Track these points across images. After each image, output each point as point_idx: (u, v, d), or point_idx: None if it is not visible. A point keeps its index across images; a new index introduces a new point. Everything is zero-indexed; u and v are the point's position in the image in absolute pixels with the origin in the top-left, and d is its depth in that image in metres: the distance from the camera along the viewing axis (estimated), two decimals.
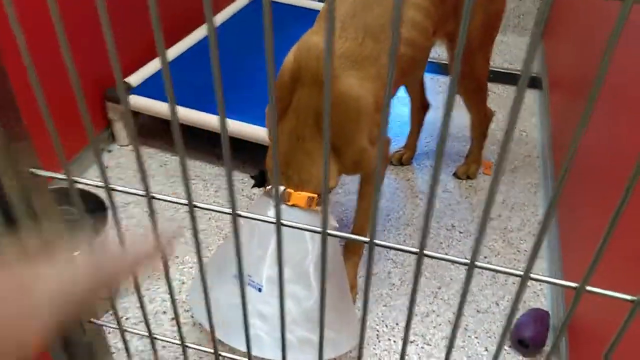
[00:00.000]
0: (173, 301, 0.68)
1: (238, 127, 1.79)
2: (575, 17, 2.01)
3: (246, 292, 1.13)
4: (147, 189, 0.57)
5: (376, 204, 0.47)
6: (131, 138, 0.52)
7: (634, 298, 0.44)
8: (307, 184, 1.20)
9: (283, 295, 0.58)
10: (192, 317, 1.46)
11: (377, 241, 0.50)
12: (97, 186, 0.62)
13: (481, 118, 1.82)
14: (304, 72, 1.14)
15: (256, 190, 1.85)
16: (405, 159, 2.00)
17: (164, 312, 1.49)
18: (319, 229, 0.53)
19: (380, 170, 0.51)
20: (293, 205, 1.20)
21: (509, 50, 2.70)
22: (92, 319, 0.83)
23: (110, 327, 0.81)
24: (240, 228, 1.20)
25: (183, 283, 1.56)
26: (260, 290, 1.17)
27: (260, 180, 1.35)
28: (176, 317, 0.70)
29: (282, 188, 1.20)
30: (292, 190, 1.20)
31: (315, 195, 1.21)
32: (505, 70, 2.45)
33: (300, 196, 1.20)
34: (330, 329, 1.19)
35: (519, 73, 2.37)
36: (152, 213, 0.58)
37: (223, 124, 0.47)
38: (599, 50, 1.55)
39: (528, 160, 2.03)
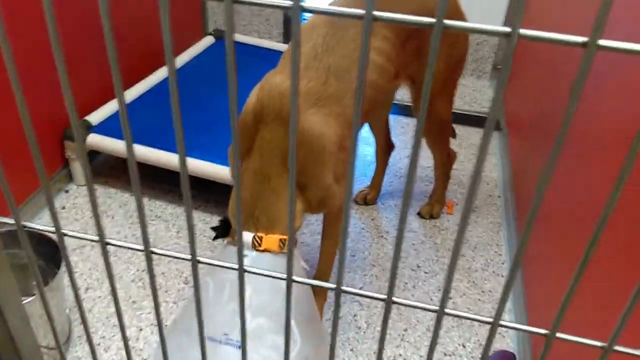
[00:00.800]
0: (127, 350, 0.64)
1: (200, 166, 1.76)
2: (531, 62, 2.09)
3: (224, 353, 1.08)
4: (101, 233, 0.54)
5: (343, 247, 0.46)
6: (86, 179, 0.49)
7: (604, 345, 0.43)
8: (277, 225, 1.17)
9: (245, 348, 0.56)
10: None
11: (344, 287, 0.48)
12: (47, 231, 0.58)
13: (444, 159, 1.84)
14: (267, 111, 1.14)
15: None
16: (370, 198, 2.00)
17: None
18: (283, 276, 0.51)
19: (345, 210, 0.49)
20: (264, 251, 1.15)
21: (468, 92, 2.78)
22: None
23: None
24: (207, 285, 1.16)
25: (140, 330, 1.49)
26: (239, 347, 1.11)
27: (223, 230, 1.28)
28: None
29: (250, 234, 1.16)
30: (263, 234, 1.16)
31: (286, 237, 1.18)
32: (465, 112, 2.52)
33: (272, 239, 1.15)
34: None
35: (478, 115, 2.44)
36: (106, 259, 0.55)
37: (182, 160, 0.45)
38: (555, 93, 1.60)
39: (490, 200, 2.06)
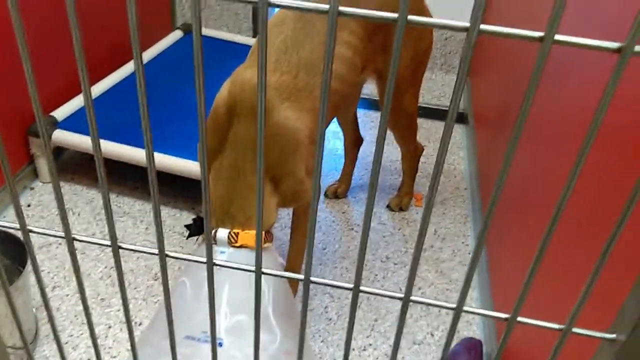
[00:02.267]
0: (96, 347, 0.64)
1: (168, 161, 1.75)
2: (497, 57, 2.13)
3: (205, 351, 1.07)
4: (67, 229, 0.53)
5: (311, 239, 0.47)
6: (51, 174, 0.49)
7: (562, 327, 0.45)
8: (254, 220, 1.16)
9: (215, 345, 0.56)
10: None
11: (312, 278, 0.49)
12: (12, 228, 0.57)
13: (412, 152, 1.87)
14: (240, 106, 1.13)
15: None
16: (340, 192, 2.02)
17: (89, 359, 1.39)
18: (252, 268, 0.51)
19: (314, 203, 0.50)
20: (241, 247, 1.14)
21: (437, 87, 2.82)
22: None
23: None
24: (184, 285, 1.15)
25: (109, 327, 1.48)
26: (221, 344, 1.08)
27: (197, 228, 1.27)
28: None
29: (226, 231, 1.15)
30: (239, 230, 1.15)
31: (263, 233, 1.17)
32: (434, 107, 2.55)
33: (249, 235, 1.14)
34: None
35: (446, 109, 2.48)
36: (72, 256, 0.55)
37: (149, 153, 0.45)
38: (520, 87, 1.64)
39: (457, 192, 2.10)
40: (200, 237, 1.26)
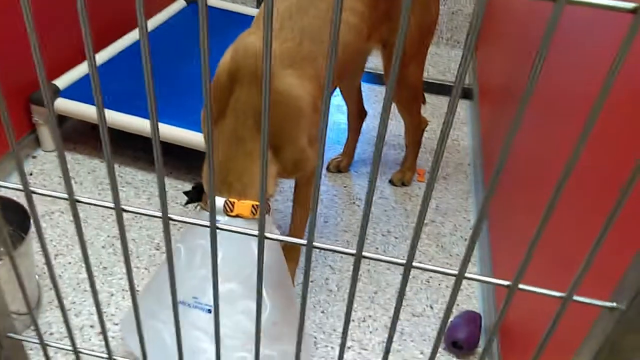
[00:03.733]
0: (99, 313, 0.64)
1: (171, 131, 1.74)
2: (504, 31, 2.10)
3: (193, 316, 1.08)
4: (70, 191, 0.53)
5: (315, 204, 0.46)
6: (55, 140, 0.48)
7: (563, 295, 0.46)
8: (250, 190, 1.16)
9: (217, 305, 0.56)
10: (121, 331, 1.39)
11: (315, 243, 0.49)
12: (15, 189, 0.57)
13: (415, 126, 1.86)
14: (242, 72, 1.12)
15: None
16: (342, 166, 2.01)
17: (92, 326, 1.41)
18: (255, 233, 0.51)
19: (318, 170, 0.50)
20: (236, 216, 1.15)
21: (442, 62, 2.79)
22: (10, 334, 0.77)
23: (31, 342, 0.75)
24: (179, 251, 1.15)
25: (112, 295, 1.49)
26: (209, 311, 1.10)
27: (196, 195, 1.26)
28: (103, 331, 0.66)
29: (222, 199, 1.15)
30: (235, 200, 1.15)
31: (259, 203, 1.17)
32: (439, 82, 2.53)
33: (244, 205, 1.14)
34: (289, 343, 1.17)
35: (451, 84, 2.45)
36: (75, 217, 0.55)
37: (154, 122, 0.45)
38: (525, 62, 1.62)
39: (460, 168, 2.10)
40: (199, 205, 1.26)
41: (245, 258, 1.14)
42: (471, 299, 1.58)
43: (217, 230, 0.53)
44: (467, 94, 2.48)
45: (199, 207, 1.24)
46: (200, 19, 0.39)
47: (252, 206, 1.15)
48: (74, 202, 0.54)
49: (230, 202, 1.14)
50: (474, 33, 0.36)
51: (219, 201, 1.14)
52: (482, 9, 0.34)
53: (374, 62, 1.97)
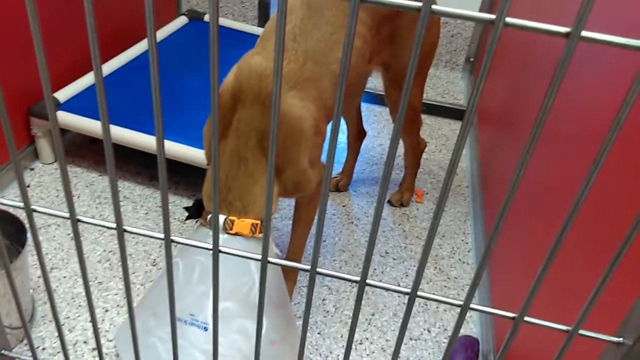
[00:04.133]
0: (95, 329, 0.63)
1: (172, 148, 1.74)
2: (503, 53, 2.12)
3: (189, 333, 1.07)
4: (72, 210, 0.53)
5: (320, 229, 0.46)
6: (58, 155, 0.48)
7: (569, 328, 0.45)
8: (251, 209, 1.16)
9: (217, 326, 0.56)
10: (115, 348, 1.37)
11: (319, 269, 0.49)
12: (16, 207, 0.57)
13: (415, 147, 1.86)
14: (246, 92, 1.12)
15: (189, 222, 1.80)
16: (341, 185, 2.01)
17: (85, 342, 1.39)
18: (258, 257, 0.51)
19: (319, 194, 0.50)
20: (236, 234, 1.15)
21: (440, 84, 2.81)
22: (2, 351, 0.76)
23: (23, 358, 0.74)
24: (177, 266, 1.15)
25: (106, 311, 1.47)
26: (206, 329, 1.09)
27: (196, 211, 1.26)
28: (98, 347, 0.65)
29: (222, 217, 1.15)
30: (235, 218, 1.15)
31: (259, 222, 1.16)
32: (437, 103, 2.54)
33: (244, 224, 1.14)
34: None
35: (450, 106, 2.46)
36: (76, 237, 0.54)
37: (160, 138, 0.45)
38: (524, 86, 1.63)
39: (458, 190, 2.10)
40: (199, 221, 1.25)
41: (242, 277, 1.14)
42: (469, 324, 1.57)
43: (207, 244, 0.52)
44: (464, 115, 2.49)
45: (198, 223, 1.24)
46: (211, 38, 0.39)
47: (252, 224, 1.15)
48: (75, 222, 0.53)
49: (230, 220, 1.14)
50: (487, 60, 0.36)
51: (220, 218, 1.14)
52: (497, 39, 0.34)
53: (373, 82, 1.98)
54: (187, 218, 1.27)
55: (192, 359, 1.07)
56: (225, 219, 1.14)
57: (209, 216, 1.18)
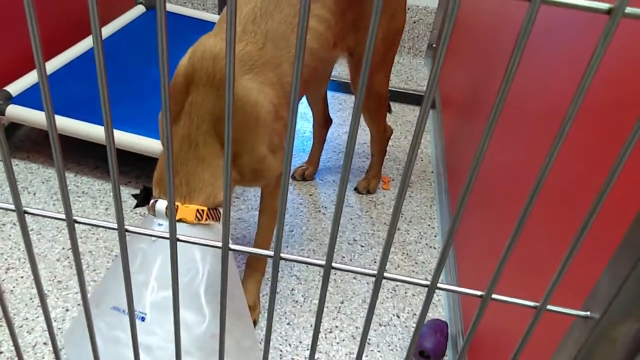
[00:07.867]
0: (50, 329, 0.60)
1: (129, 139, 1.69)
2: (465, 38, 2.13)
3: (126, 323, 1.03)
4: (17, 202, 0.49)
5: (282, 215, 0.44)
6: (0, 148, 0.45)
7: (537, 304, 0.45)
8: (197, 194, 1.11)
9: (178, 319, 0.53)
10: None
11: (283, 255, 0.47)
12: None
13: (381, 134, 1.85)
14: (199, 74, 1.08)
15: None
16: (307, 174, 1.99)
17: (45, 343, 1.34)
18: (219, 244, 0.48)
19: (281, 180, 0.47)
20: (179, 221, 1.09)
21: (404, 70, 2.81)
22: None
23: None
24: (119, 257, 1.10)
25: (67, 310, 1.42)
26: (143, 319, 1.03)
27: (144, 198, 1.21)
28: (54, 349, 0.62)
29: (165, 202, 1.09)
30: (179, 204, 1.10)
31: (205, 208, 1.11)
32: (402, 90, 2.54)
33: (188, 210, 1.09)
34: (230, 357, 1.12)
35: (414, 92, 2.46)
36: (24, 230, 0.51)
37: (108, 129, 0.42)
38: (487, 70, 1.64)
39: (424, 176, 2.11)
40: (148, 208, 1.20)
41: (184, 264, 1.08)
42: (437, 307, 1.58)
43: (163, 232, 0.50)
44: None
45: (148, 211, 1.20)
46: (158, 25, 0.36)
47: (198, 211, 1.10)
48: (22, 214, 0.50)
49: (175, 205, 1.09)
50: (443, 46, 0.34)
51: (162, 204, 1.09)
52: (451, 25, 0.33)
53: (339, 69, 1.97)
54: (136, 206, 1.23)
55: (127, 348, 1.02)
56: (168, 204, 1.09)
57: (152, 202, 1.13)
